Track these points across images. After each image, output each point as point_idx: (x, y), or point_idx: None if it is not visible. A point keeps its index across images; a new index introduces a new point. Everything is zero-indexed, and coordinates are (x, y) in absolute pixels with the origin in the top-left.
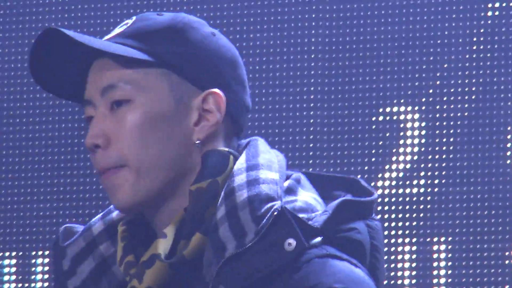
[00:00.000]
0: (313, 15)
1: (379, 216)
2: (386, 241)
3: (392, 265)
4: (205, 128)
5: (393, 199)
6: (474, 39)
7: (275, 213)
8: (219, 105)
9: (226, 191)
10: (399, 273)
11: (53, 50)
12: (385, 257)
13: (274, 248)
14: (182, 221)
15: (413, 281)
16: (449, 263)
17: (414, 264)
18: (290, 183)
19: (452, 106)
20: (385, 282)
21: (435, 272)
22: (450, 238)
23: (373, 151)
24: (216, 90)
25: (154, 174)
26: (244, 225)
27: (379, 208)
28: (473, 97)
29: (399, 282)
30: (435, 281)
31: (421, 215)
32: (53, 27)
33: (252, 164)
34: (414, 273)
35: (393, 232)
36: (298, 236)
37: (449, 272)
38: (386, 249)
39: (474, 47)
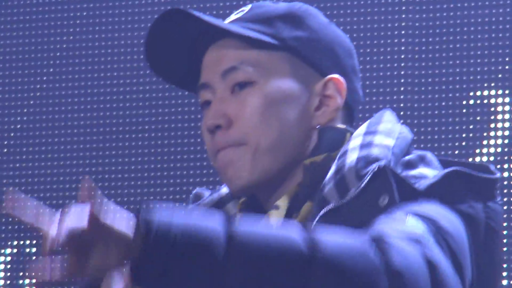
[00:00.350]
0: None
1: None
2: None
3: None
4: (326, 113)
5: None
6: None
7: (376, 169)
8: (340, 91)
9: (340, 154)
10: None
11: (171, 33)
12: None
13: (369, 203)
14: (295, 195)
15: None
16: None
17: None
18: (412, 157)
19: None
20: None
21: None
22: None
23: (464, 135)
24: (337, 76)
25: (273, 155)
26: (348, 183)
27: None
28: None
29: None
30: None
31: None
32: (175, 8)
33: (371, 130)
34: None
35: None
36: (392, 192)
37: None
38: None
39: None
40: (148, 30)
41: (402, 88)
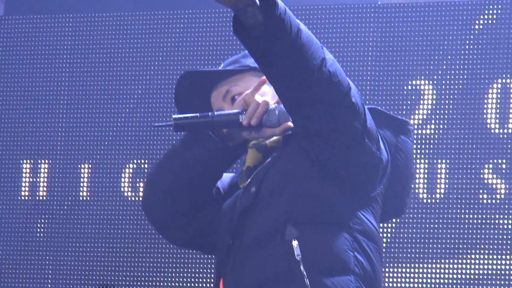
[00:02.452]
0: None
1: None
2: None
3: None
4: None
5: None
6: None
7: None
8: None
9: None
10: None
11: (188, 84)
12: None
13: None
14: None
15: None
16: None
17: None
18: None
19: None
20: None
21: None
22: None
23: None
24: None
25: None
26: None
27: None
28: None
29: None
30: None
31: None
32: (187, 71)
33: None
34: None
35: None
36: None
37: None
38: None
39: None
40: (175, 87)
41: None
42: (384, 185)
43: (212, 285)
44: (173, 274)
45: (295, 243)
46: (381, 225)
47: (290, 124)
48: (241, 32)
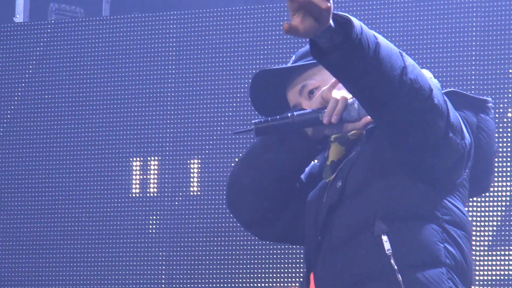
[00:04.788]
0: None
1: None
2: None
3: None
4: None
5: None
6: None
7: None
8: None
9: None
10: None
11: (262, 83)
12: None
13: None
14: None
15: None
16: None
17: None
18: None
19: None
20: None
21: None
22: None
23: None
24: None
25: None
26: None
27: None
28: None
29: None
30: None
31: None
32: (261, 70)
33: None
34: None
35: None
36: None
37: None
38: None
39: None
40: (250, 85)
41: None
42: (469, 167)
43: (301, 276)
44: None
45: (384, 238)
46: (492, 208)
47: (370, 118)
48: (319, 55)
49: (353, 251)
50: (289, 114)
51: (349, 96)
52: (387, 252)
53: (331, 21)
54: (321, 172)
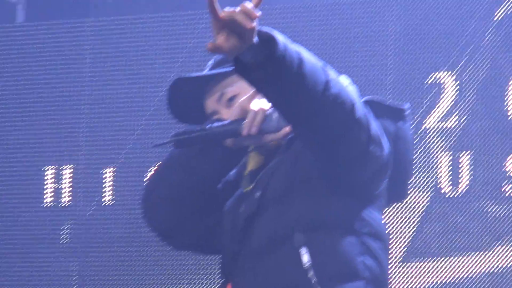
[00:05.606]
0: None
1: None
2: None
3: None
4: None
5: None
6: None
7: None
8: None
9: None
10: None
11: (179, 90)
12: None
13: None
14: None
15: None
16: None
17: None
18: None
19: None
20: None
21: None
22: None
23: None
24: None
25: None
26: None
27: None
28: None
29: None
30: None
31: None
32: (177, 78)
33: None
34: None
35: None
36: None
37: None
38: None
39: None
40: (167, 93)
41: None
42: (388, 176)
43: None
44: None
45: (303, 250)
46: (406, 219)
47: (289, 128)
48: (242, 70)
49: (273, 262)
50: (207, 126)
51: (267, 106)
52: (306, 264)
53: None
54: (237, 180)
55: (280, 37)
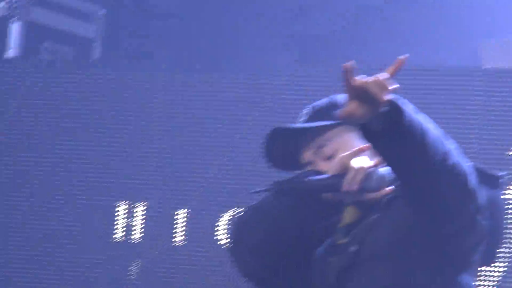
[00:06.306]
0: None
1: None
2: None
3: None
4: None
5: None
6: None
7: None
8: None
9: None
10: None
11: (276, 141)
12: None
13: None
14: None
15: None
16: None
17: None
18: None
19: None
20: None
21: None
22: None
23: None
24: None
25: None
26: None
27: None
28: None
29: None
30: None
31: None
32: (279, 127)
33: None
34: None
35: None
36: None
37: None
38: None
39: None
40: (265, 143)
41: None
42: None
43: None
44: None
45: None
46: None
47: (389, 189)
48: (367, 135)
49: None
50: (307, 179)
51: (368, 164)
52: None
53: None
54: (326, 230)
55: (406, 107)
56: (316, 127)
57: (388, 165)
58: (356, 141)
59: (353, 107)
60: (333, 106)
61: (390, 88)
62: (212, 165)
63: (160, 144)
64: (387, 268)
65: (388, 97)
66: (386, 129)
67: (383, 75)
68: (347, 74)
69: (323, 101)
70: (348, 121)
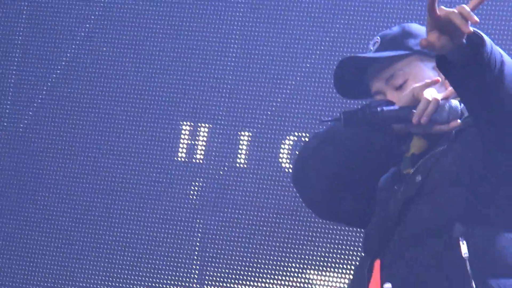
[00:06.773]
0: None
1: None
2: None
3: None
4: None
5: None
6: None
7: None
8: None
9: None
10: None
11: (346, 68)
12: None
13: None
14: None
15: None
16: None
17: None
18: None
19: None
20: None
21: None
22: None
23: None
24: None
25: None
26: None
27: None
28: None
29: None
30: None
31: None
32: (350, 56)
33: None
34: None
35: None
36: None
37: None
38: None
39: None
40: (334, 72)
41: None
42: None
43: (356, 259)
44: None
45: (462, 241)
46: None
47: (459, 122)
48: (444, 67)
49: (428, 250)
50: (378, 109)
51: (440, 96)
52: (463, 256)
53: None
54: (391, 159)
55: (487, 39)
56: (388, 57)
57: (461, 97)
58: (426, 72)
59: (434, 37)
60: (404, 35)
61: (476, 20)
62: (277, 92)
63: (233, 67)
64: (451, 200)
65: (471, 29)
66: (466, 61)
67: (466, 7)
68: (432, 3)
69: (394, 30)
70: (427, 51)
